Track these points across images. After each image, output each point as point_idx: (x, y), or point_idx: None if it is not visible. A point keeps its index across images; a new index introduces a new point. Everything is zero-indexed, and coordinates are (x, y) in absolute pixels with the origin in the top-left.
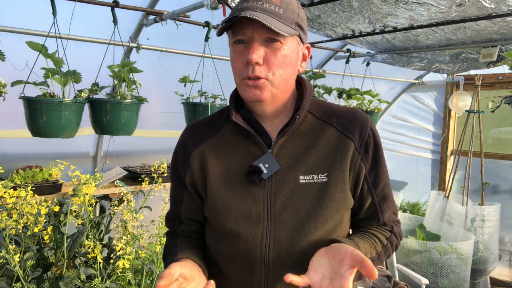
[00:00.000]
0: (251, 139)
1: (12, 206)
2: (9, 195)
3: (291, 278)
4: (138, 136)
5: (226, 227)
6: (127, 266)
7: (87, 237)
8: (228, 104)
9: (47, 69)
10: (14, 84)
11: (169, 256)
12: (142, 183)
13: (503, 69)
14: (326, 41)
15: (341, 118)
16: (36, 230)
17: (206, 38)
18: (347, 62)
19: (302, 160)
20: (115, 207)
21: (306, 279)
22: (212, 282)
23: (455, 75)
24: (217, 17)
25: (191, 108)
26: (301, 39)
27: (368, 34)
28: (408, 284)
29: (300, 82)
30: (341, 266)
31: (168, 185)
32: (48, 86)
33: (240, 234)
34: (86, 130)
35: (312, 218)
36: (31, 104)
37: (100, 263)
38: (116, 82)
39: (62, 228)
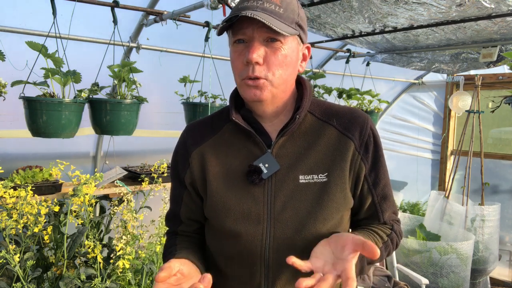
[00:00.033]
0: (251, 139)
1: (12, 206)
2: (9, 195)
3: (293, 260)
4: (138, 136)
5: (226, 227)
6: (127, 266)
7: (87, 237)
8: (228, 104)
9: (47, 69)
10: (14, 84)
11: (168, 256)
12: (142, 183)
13: (503, 69)
14: (326, 41)
15: (341, 118)
16: (36, 230)
17: (206, 38)
18: (347, 62)
19: (302, 160)
20: (115, 207)
21: (308, 263)
22: (208, 275)
23: (455, 75)
24: (217, 17)
25: (191, 108)
26: (301, 39)
27: (368, 34)
28: (408, 284)
29: (300, 82)
30: (343, 251)
31: (168, 185)
32: (48, 86)
33: (240, 234)
34: (86, 130)
35: (312, 218)
36: (31, 104)
37: (100, 263)
38: (116, 82)
39: (62, 228)
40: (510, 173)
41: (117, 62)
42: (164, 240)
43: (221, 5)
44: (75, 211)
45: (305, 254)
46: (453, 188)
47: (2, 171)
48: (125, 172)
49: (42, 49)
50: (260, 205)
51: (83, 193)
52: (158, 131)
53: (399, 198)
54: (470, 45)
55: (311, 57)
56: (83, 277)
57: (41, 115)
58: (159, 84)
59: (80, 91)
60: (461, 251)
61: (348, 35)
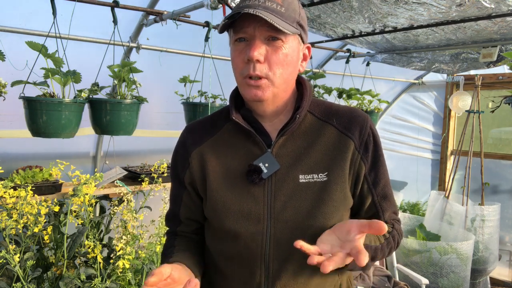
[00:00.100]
0: (251, 138)
1: (12, 206)
2: (9, 195)
3: (301, 243)
4: (138, 136)
5: (226, 227)
6: (127, 266)
7: (87, 237)
8: (227, 104)
9: (47, 69)
10: (14, 84)
11: (165, 259)
12: (142, 183)
13: (503, 69)
14: (326, 41)
15: (340, 117)
16: (36, 230)
17: (206, 38)
18: (347, 62)
19: (302, 160)
20: (115, 207)
21: (316, 247)
22: (195, 281)
23: (455, 75)
24: (217, 17)
25: (191, 108)
26: (302, 38)
27: (368, 34)
28: (408, 284)
29: (300, 82)
30: (349, 234)
31: (168, 185)
32: (48, 86)
33: (240, 233)
34: (86, 130)
35: (312, 217)
36: (31, 104)
37: (100, 263)
38: (116, 82)
39: (62, 228)
40: (510, 173)
41: (117, 62)
42: (164, 240)
43: (221, 5)
44: (75, 211)
45: (305, 254)
46: (453, 188)
47: (2, 171)
48: (125, 172)
49: (42, 49)
50: (260, 205)
51: (83, 193)
52: (158, 131)
53: (399, 198)
54: (470, 45)
55: (311, 57)
56: (83, 277)
57: (41, 115)
58: (159, 84)
59: (80, 91)
60: (461, 251)
61: (348, 35)
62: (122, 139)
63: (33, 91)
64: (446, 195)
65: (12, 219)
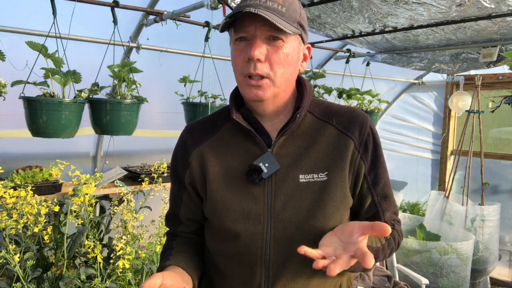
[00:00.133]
0: (251, 138)
1: (12, 206)
2: (9, 195)
3: (305, 249)
4: (138, 136)
5: (226, 227)
6: (127, 266)
7: (87, 237)
8: (227, 104)
9: (47, 69)
10: (14, 84)
11: (162, 260)
12: (142, 183)
13: (503, 69)
14: (326, 41)
15: (340, 117)
16: (36, 230)
17: (206, 38)
18: (347, 62)
19: (302, 159)
20: (115, 207)
21: (319, 251)
22: None
23: (455, 75)
24: (217, 17)
25: (191, 108)
26: (302, 38)
27: (368, 34)
28: (408, 284)
29: (300, 82)
30: (351, 236)
31: (168, 185)
32: (48, 86)
33: (240, 233)
34: (86, 130)
35: (312, 217)
36: (31, 104)
37: (100, 263)
38: (116, 82)
39: (62, 228)
40: (510, 173)
41: (117, 62)
42: (164, 240)
43: (221, 5)
44: (75, 211)
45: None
46: (453, 188)
47: (2, 171)
48: (125, 172)
49: (42, 49)
50: (260, 205)
51: (83, 193)
52: (158, 131)
53: (399, 198)
54: (470, 45)
55: (311, 57)
56: (83, 277)
57: (41, 115)
58: (159, 84)
59: (80, 91)
60: (461, 251)
61: (348, 35)
62: (122, 139)
63: (33, 91)
64: (446, 195)
65: (12, 219)
